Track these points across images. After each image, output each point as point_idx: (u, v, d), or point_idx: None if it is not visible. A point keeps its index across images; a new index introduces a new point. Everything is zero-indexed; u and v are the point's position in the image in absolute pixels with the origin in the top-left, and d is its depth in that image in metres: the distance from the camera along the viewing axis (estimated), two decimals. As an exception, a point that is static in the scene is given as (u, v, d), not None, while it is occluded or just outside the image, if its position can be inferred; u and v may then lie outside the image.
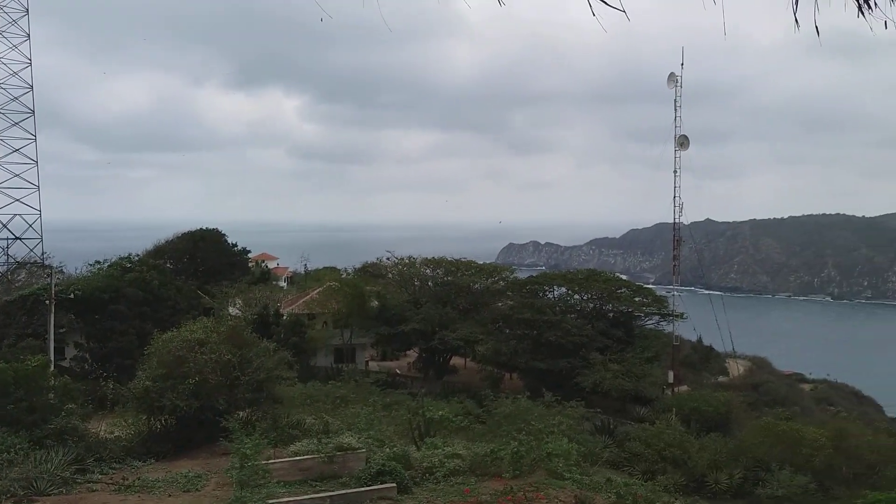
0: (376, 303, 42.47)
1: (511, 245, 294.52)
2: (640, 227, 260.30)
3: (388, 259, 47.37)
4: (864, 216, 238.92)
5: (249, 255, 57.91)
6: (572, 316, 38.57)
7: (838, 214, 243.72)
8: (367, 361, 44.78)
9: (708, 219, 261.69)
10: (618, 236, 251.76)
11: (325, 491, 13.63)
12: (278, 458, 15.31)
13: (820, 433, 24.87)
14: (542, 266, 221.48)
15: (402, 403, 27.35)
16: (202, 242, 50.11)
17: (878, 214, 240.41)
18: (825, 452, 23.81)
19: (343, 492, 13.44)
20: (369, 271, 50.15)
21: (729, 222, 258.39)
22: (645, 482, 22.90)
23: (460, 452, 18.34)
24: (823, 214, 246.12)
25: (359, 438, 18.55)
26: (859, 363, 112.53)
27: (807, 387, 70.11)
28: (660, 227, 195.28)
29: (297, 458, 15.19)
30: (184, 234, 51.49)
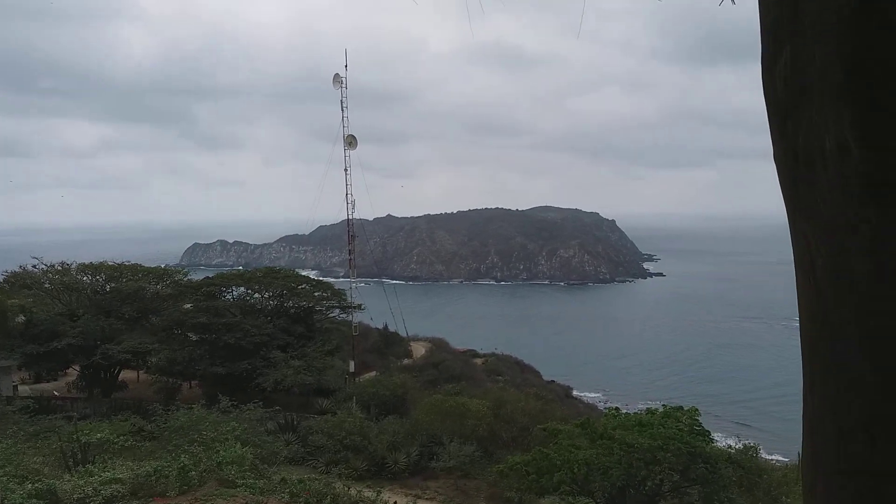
0: (22, 318, 36.75)
1: (196, 245, 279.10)
2: (328, 224, 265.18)
3: (34, 267, 41.20)
4: (518, 209, 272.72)
5: None
6: (252, 316, 37.43)
7: (498, 208, 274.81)
8: (15, 386, 38.60)
9: (389, 214, 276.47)
10: (308, 233, 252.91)
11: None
12: None
13: (482, 404, 27.32)
14: (230, 265, 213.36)
15: (56, 429, 24.10)
16: None
17: (528, 207, 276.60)
18: (487, 421, 26.23)
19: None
20: (16, 282, 43.22)
21: (408, 217, 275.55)
22: (326, 474, 23.14)
23: (120, 476, 16.58)
24: (486, 208, 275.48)
25: (-10, 478, 15.76)
26: (519, 336, 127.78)
27: (479, 361, 77.24)
28: (352, 224, 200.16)
29: None
30: None
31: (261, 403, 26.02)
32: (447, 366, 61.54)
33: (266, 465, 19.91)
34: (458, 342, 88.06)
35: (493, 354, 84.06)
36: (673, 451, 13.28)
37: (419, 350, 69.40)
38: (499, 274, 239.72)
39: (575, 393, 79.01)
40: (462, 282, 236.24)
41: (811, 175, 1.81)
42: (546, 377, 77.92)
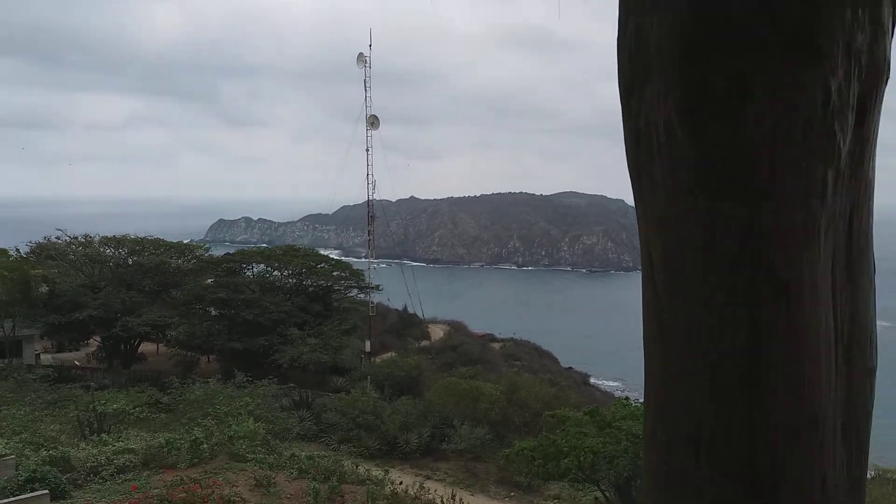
0: (46, 288, 37.31)
1: (221, 221, 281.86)
2: (352, 204, 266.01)
3: (58, 239, 41.78)
4: (542, 194, 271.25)
5: None
6: (271, 293, 37.71)
7: (522, 193, 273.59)
8: (37, 355, 39.32)
9: (412, 196, 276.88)
10: (331, 213, 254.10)
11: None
12: None
13: (496, 388, 27.29)
14: (254, 243, 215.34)
15: (74, 398, 24.58)
16: None
17: (552, 193, 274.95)
18: (500, 405, 26.20)
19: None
20: (42, 253, 43.92)
21: (430, 199, 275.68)
22: (337, 451, 23.32)
23: (133, 447, 16.86)
24: (510, 192, 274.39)
25: (7, 444, 16.19)
26: (539, 322, 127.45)
27: (497, 345, 77.46)
28: (371, 205, 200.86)
29: None
30: None
31: (276, 380, 26.24)
32: (464, 349, 61.78)
33: (278, 441, 20.15)
34: (477, 326, 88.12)
35: (512, 339, 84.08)
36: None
37: (437, 332, 69.70)
38: (520, 259, 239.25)
39: (592, 381, 78.67)
40: (483, 266, 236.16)
41: (649, 161, 1.68)
42: (564, 364, 77.72)
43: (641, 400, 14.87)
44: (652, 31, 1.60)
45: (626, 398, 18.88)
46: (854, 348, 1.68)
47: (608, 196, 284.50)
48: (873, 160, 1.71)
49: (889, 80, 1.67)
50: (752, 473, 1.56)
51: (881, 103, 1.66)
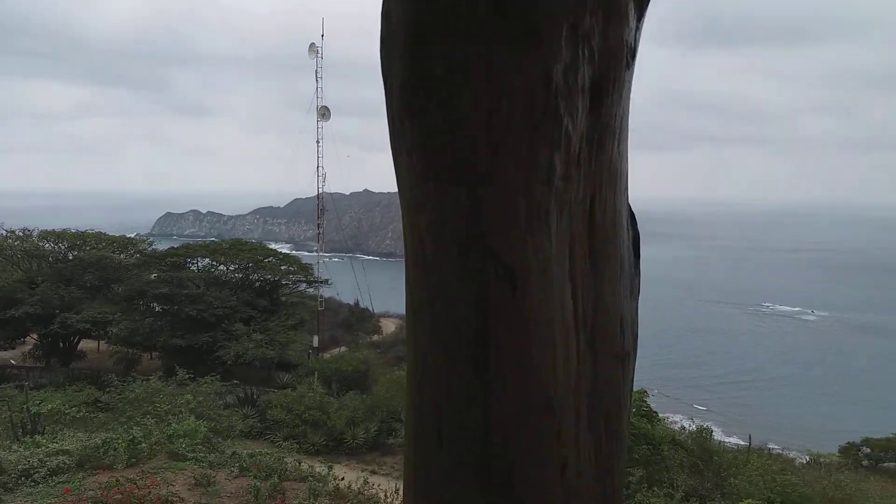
0: (-22, 285, 36.07)
1: (169, 214, 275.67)
2: (304, 197, 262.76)
3: (-5, 232, 40.41)
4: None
5: None
6: (216, 288, 37.10)
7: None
8: (-30, 355, 37.99)
9: (366, 189, 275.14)
10: (282, 206, 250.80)
11: None
12: None
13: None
14: (203, 236, 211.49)
15: (7, 399, 23.79)
16: None
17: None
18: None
19: None
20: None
21: (385, 192, 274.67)
22: (283, 448, 23.12)
23: (67, 448, 16.41)
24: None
25: (-72, 450, 15.52)
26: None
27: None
28: (326, 198, 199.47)
29: None
30: None
31: (219, 377, 25.89)
32: (416, 342, 61.93)
33: (220, 439, 19.85)
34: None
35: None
36: (616, 434, 13.38)
37: (389, 326, 69.65)
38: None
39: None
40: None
41: (396, 147, 1.66)
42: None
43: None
44: (394, 13, 1.56)
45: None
46: (599, 335, 1.66)
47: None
48: (620, 147, 1.68)
49: (632, 66, 1.63)
50: (487, 460, 1.55)
51: (625, 89, 1.62)
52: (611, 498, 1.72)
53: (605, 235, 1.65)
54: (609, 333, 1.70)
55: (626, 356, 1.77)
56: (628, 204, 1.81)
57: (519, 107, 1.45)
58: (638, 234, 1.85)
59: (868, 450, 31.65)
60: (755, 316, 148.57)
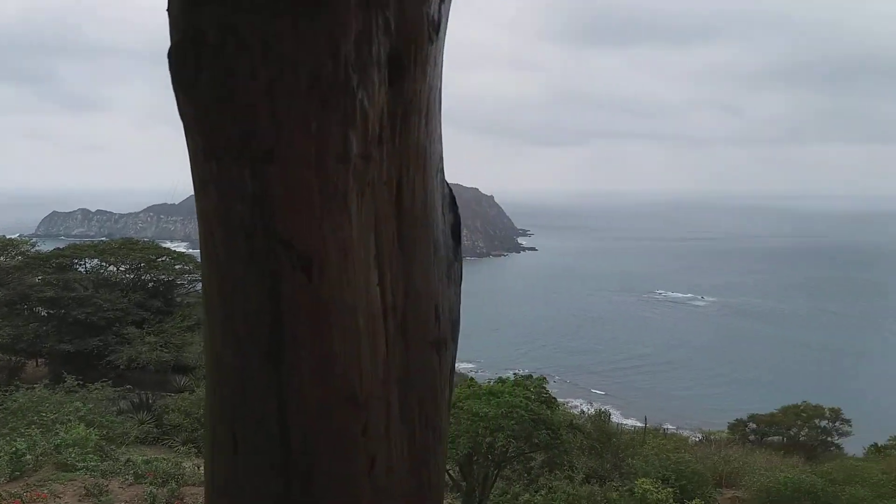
0: None
1: (55, 214, 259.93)
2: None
3: None
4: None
5: None
6: (106, 290, 35.41)
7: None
8: None
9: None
10: (178, 202, 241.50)
11: None
12: None
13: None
14: (92, 236, 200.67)
15: None
16: None
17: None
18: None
19: None
20: None
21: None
22: (182, 453, 22.37)
23: (-58, 465, 15.28)
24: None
25: None
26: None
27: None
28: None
29: None
30: None
31: (111, 382, 24.81)
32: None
33: (114, 447, 19.00)
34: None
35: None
36: (516, 419, 13.71)
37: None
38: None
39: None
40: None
41: (182, 120, 1.50)
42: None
43: (494, 379, 15.43)
44: None
45: (472, 379, 19.51)
46: (411, 322, 1.56)
47: (463, 185, 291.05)
48: (429, 126, 1.58)
49: (438, 41, 1.54)
50: (285, 462, 1.44)
51: (430, 65, 1.53)
52: (427, 491, 1.64)
53: (414, 219, 1.55)
54: (422, 320, 1.59)
55: (441, 343, 1.67)
56: (448, 187, 1.73)
57: (304, 78, 1.33)
58: (458, 218, 1.76)
59: (754, 425, 33.72)
60: (649, 303, 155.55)
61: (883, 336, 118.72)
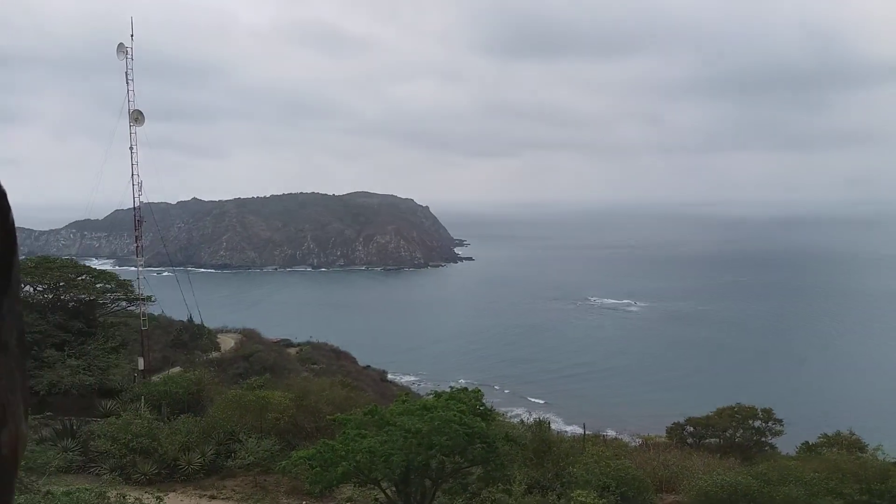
0: None
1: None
2: (125, 208, 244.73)
3: None
4: (334, 194, 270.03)
5: None
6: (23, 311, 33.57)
7: (314, 193, 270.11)
8: None
9: (195, 198, 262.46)
10: (101, 218, 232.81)
11: None
12: None
13: (285, 396, 26.42)
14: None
15: None
16: None
17: (344, 193, 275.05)
18: (289, 413, 25.39)
19: None
20: None
21: (215, 201, 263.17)
22: (110, 482, 21.21)
23: None
24: (301, 192, 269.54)
25: None
26: (337, 323, 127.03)
27: (293, 350, 75.71)
28: (148, 208, 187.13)
29: None
30: None
31: (29, 409, 23.40)
32: (258, 357, 59.59)
33: (34, 478, 17.85)
34: (272, 332, 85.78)
35: (308, 343, 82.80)
36: (449, 434, 13.37)
37: (228, 342, 66.58)
38: (315, 260, 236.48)
39: (390, 377, 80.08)
40: (277, 269, 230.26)
41: None
42: (362, 363, 78.28)
43: (431, 392, 14.91)
44: None
45: (407, 394, 19.12)
46: None
47: (398, 195, 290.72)
48: None
49: None
50: None
51: None
52: None
53: None
54: None
55: None
56: None
57: None
58: (11, 232, 1.43)
59: (691, 428, 34.32)
60: (585, 309, 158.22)
61: (809, 337, 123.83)
